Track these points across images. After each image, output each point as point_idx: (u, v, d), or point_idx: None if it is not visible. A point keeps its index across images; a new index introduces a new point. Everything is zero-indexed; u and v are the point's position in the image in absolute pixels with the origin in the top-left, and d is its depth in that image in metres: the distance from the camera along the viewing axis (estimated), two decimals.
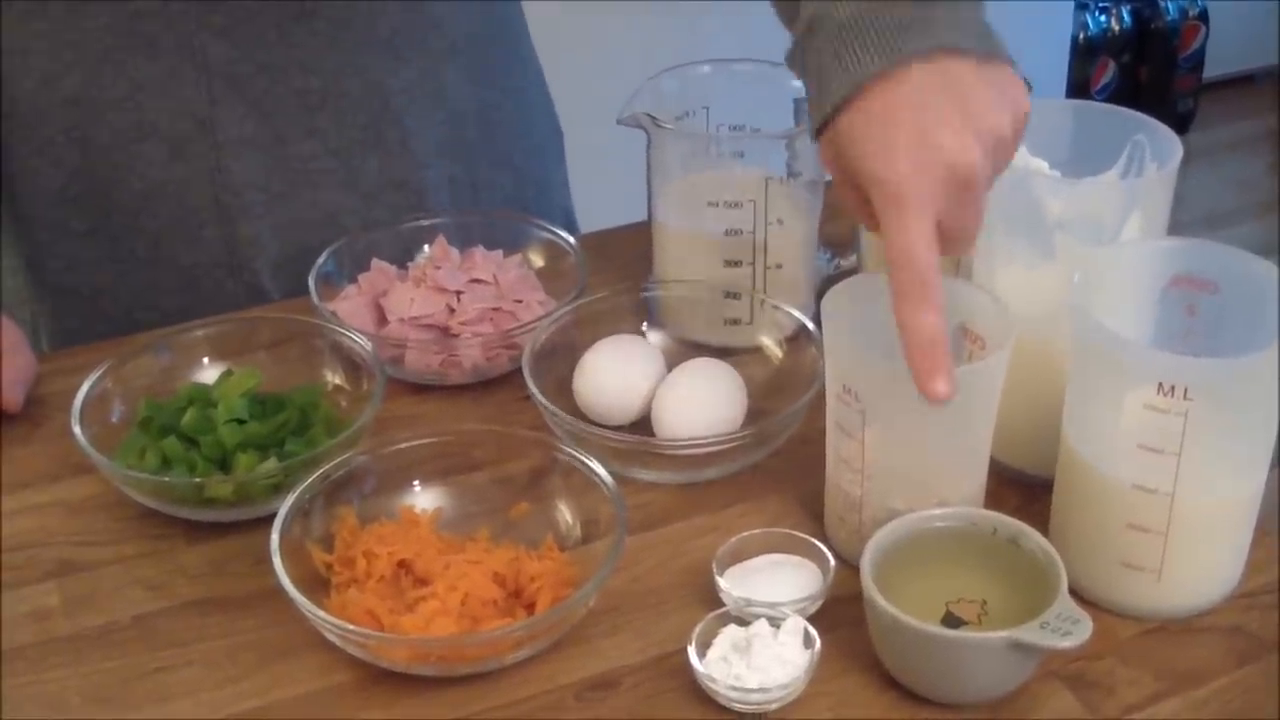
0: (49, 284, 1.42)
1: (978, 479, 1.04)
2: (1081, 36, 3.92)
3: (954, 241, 0.95)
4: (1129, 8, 4.02)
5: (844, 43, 0.94)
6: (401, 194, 1.40)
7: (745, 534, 1.04)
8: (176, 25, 1.29)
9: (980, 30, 0.95)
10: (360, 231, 1.34)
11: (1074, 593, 0.95)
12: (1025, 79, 1.23)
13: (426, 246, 1.32)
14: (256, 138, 1.34)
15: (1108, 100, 3.71)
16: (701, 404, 1.14)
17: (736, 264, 1.23)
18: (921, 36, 0.92)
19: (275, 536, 1.01)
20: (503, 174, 1.48)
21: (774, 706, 0.95)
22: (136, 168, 1.34)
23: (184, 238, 1.37)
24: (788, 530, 1.05)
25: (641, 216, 1.29)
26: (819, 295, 1.05)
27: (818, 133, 0.98)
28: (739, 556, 1.03)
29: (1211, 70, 4.13)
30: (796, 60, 0.99)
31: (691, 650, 0.96)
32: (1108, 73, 4.02)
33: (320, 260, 1.29)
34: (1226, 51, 4.12)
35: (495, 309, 1.25)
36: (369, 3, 1.33)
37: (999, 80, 0.94)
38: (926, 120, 0.91)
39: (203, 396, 1.15)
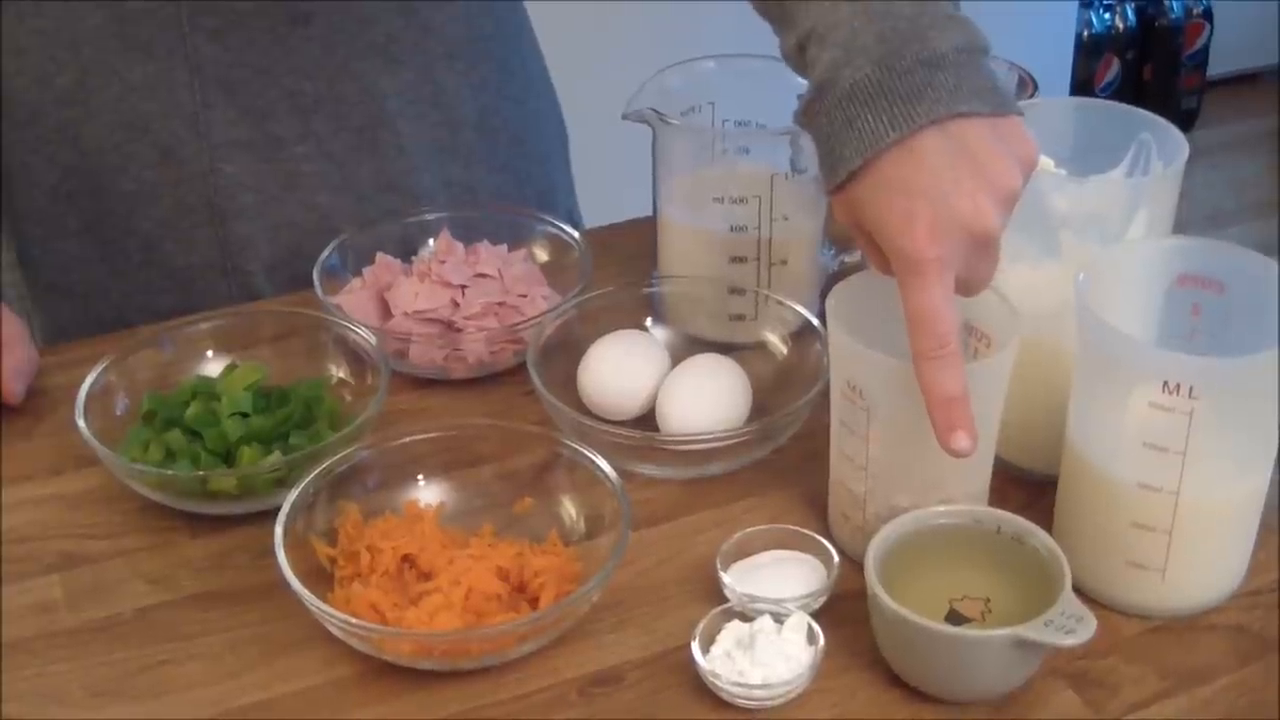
0: (42, 281, 1.42)
1: (982, 477, 1.04)
2: (1085, 34, 3.92)
3: (970, 288, 0.97)
4: (1133, 6, 4.01)
5: (856, 109, 0.95)
6: (395, 197, 1.40)
7: (749, 530, 1.04)
8: (168, 27, 1.29)
9: (990, 87, 0.95)
10: (364, 226, 1.34)
11: (1078, 591, 0.95)
12: (1031, 77, 1.23)
13: (431, 241, 1.32)
14: (249, 141, 1.34)
15: (1111, 98, 3.71)
16: (706, 400, 1.14)
17: (741, 260, 1.23)
18: (934, 104, 0.93)
19: (279, 530, 1.01)
20: (502, 178, 1.47)
21: (777, 702, 0.95)
22: (129, 168, 1.34)
23: (177, 238, 1.37)
24: (792, 526, 1.05)
25: (646, 212, 1.29)
26: (824, 292, 1.05)
27: (831, 193, 0.99)
28: (743, 552, 1.03)
29: (1215, 69, 4.13)
30: (805, 118, 0.99)
31: (695, 646, 0.96)
32: (1111, 70, 4.02)
33: (324, 254, 1.29)
34: (1230, 50, 4.12)
35: (499, 304, 1.25)
36: (363, 6, 1.33)
37: (1009, 136, 0.95)
38: (943, 189, 0.93)
39: (207, 390, 1.15)
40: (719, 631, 0.97)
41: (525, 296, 1.26)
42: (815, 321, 1.19)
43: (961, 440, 0.94)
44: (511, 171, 1.48)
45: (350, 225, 1.34)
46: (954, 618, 0.97)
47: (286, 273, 1.37)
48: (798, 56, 1.00)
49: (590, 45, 2.59)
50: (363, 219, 1.36)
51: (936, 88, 0.93)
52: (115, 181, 1.34)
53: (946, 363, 0.94)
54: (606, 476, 1.06)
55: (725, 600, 1.01)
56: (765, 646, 0.95)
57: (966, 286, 0.96)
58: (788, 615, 0.97)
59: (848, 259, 1.31)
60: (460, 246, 1.30)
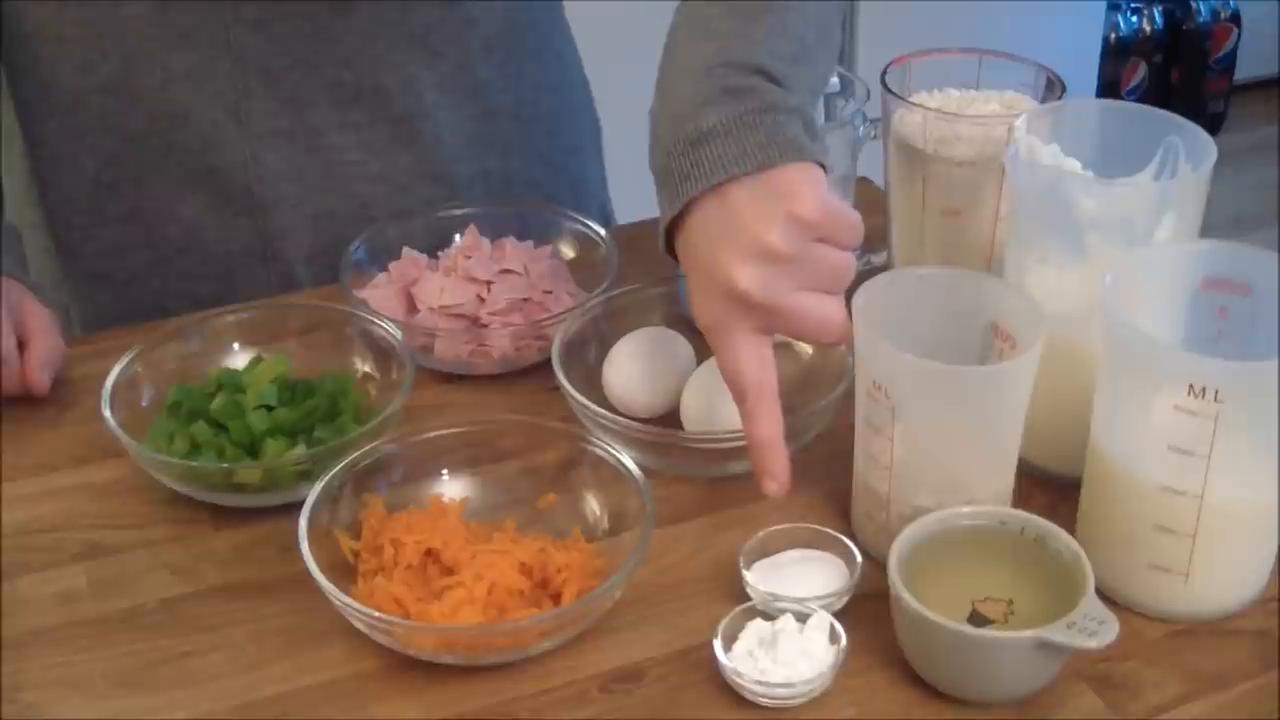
0: (82, 269, 1.43)
1: (1006, 478, 1.04)
2: (1113, 37, 3.91)
3: (817, 330, 1.04)
4: (1161, 9, 4.01)
5: (660, 194, 1.06)
6: (434, 187, 1.41)
7: (772, 529, 1.04)
8: (210, 18, 1.30)
9: (763, 143, 1.01)
10: (392, 220, 1.35)
11: (1101, 594, 0.95)
12: (1059, 79, 1.22)
13: (458, 236, 1.32)
14: (289, 130, 1.35)
15: (1138, 101, 3.71)
16: (730, 399, 1.14)
17: None
18: (697, 181, 1.01)
19: (303, 523, 1.01)
20: (537, 169, 1.49)
21: (798, 701, 0.95)
22: (171, 156, 1.35)
23: (217, 227, 1.38)
24: (815, 526, 1.05)
25: None
26: (850, 291, 1.04)
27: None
28: (766, 551, 1.03)
29: (1243, 72, 4.12)
30: None
31: (717, 644, 0.96)
32: (1138, 74, 4.01)
33: (351, 248, 1.29)
34: (1258, 54, 4.11)
35: (525, 300, 1.25)
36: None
37: (772, 187, 1.00)
38: (702, 258, 1.02)
39: (232, 382, 1.15)
40: (741, 630, 0.97)
41: (551, 293, 1.26)
42: None
43: (769, 486, 1.03)
44: (547, 162, 1.49)
45: (389, 215, 1.36)
46: (976, 619, 0.97)
47: (325, 262, 1.38)
48: None
49: (622, 42, 2.59)
50: (401, 209, 1.37)
51: (701, 164, 1.01)
52: (157, 169, 1.36)
53: (755, 412, 1.02)
54: (630, 473, 1.06)
55: (748, 599, 1.01)
56: (787, 645, 0.95)
57: (814, 331, 1.04)
58: (810, 614, 0.97)
59: (873, 259, 1.31)
60: (487, 242, 1.30)
